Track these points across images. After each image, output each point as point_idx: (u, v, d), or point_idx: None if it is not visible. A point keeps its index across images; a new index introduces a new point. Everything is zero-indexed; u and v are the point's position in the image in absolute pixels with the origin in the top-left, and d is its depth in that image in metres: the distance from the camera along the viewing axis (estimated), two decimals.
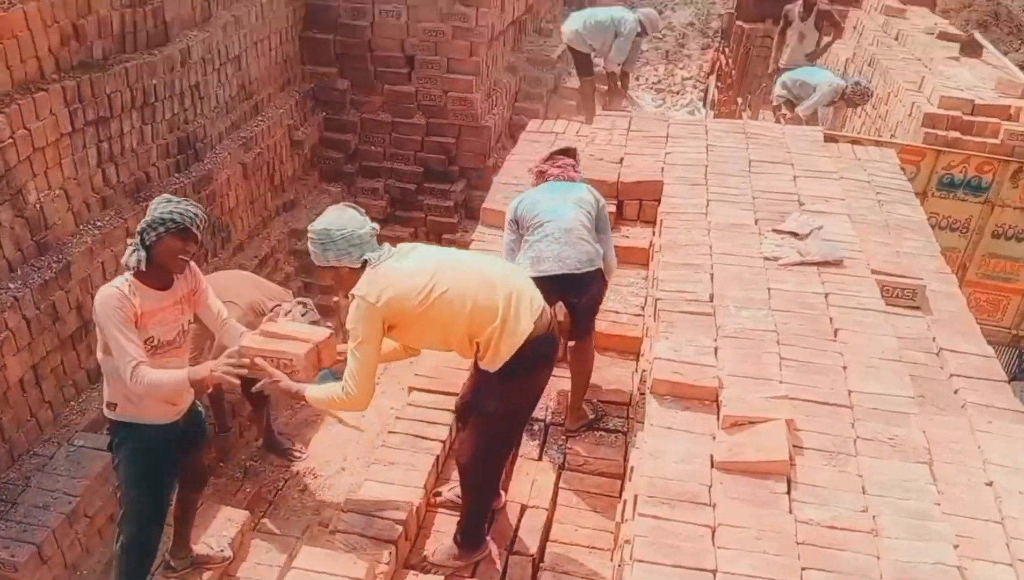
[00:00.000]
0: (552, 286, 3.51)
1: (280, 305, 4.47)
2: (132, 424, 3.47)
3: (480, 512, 3.45)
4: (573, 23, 8.86)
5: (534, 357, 3.08)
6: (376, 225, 3.22)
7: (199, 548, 4.19)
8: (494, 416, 3.21)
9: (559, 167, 3.98)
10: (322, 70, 8.52)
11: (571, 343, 3.94)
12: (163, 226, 3.24)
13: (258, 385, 3.25)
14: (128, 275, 3.32)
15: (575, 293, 3.73)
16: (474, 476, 3.36)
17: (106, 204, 5.75)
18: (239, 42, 7.23)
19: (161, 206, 3.28)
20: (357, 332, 3.01)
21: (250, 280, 5.10)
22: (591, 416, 4.11)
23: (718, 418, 3.04)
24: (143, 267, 3.29)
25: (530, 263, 3.67)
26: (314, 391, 3.18)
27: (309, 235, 3.15)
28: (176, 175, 6.43)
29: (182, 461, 3.70)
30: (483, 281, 3.08)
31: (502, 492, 3.65)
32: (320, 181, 8.65)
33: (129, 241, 3.34)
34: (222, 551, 4.23)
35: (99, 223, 5.61)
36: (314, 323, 4.39)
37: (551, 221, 3.73)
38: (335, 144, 8.68)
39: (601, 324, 4.40)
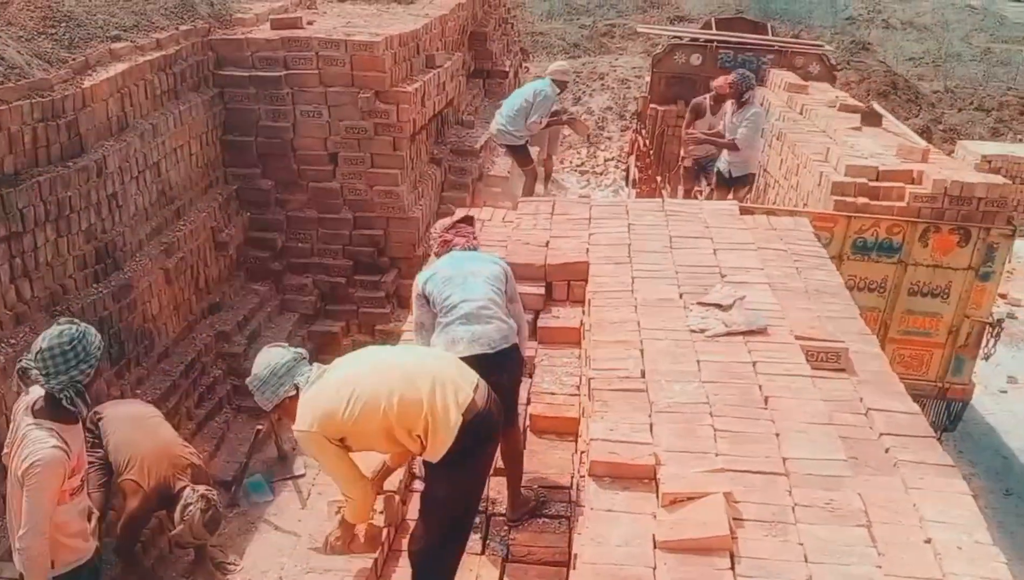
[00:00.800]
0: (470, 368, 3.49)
1: (186, 488, 4.59)
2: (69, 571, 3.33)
3: None
4: (495, 123, 9.06)
5: (475, 439, 3.14)
6: (301, 350, 3.37)
7: None
8: (446, 502, 3.24)
9: (463, 236, 4.09)
10: (245, 171, 8.48)
11: None
12: (96, 360, 3.19)
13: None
14: (49, 423, 3.16)
15: (494, 372, 3.68)
16: (425, 569, 3.30)
17: (20, 320, 5.53)
18: (158, 149, 7.16)
19: (85, 340, 3.18)
20: (316, 458, 3.32)
21: (159, 441, 4.92)
22: (532, 502, 4.03)
23: (658, 496, 3.01)
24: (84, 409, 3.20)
25: (445, 346, 3.67)
26: (345, 513, 3.51)
27: (249, 389, 3.37)
28: (94, 285, 6.24)
29: None
30: (404, 376, 3.17)
31: None
32: (247, 281, 8.51)
33: (61, 394, 3.14)
34: None
35: (12, 340, 5.38)
36: (213, 519, 4.73)
37: (463, 301, 3.76)
38: (261, 243, 8.59)
39: (538, 406, 4.39)
